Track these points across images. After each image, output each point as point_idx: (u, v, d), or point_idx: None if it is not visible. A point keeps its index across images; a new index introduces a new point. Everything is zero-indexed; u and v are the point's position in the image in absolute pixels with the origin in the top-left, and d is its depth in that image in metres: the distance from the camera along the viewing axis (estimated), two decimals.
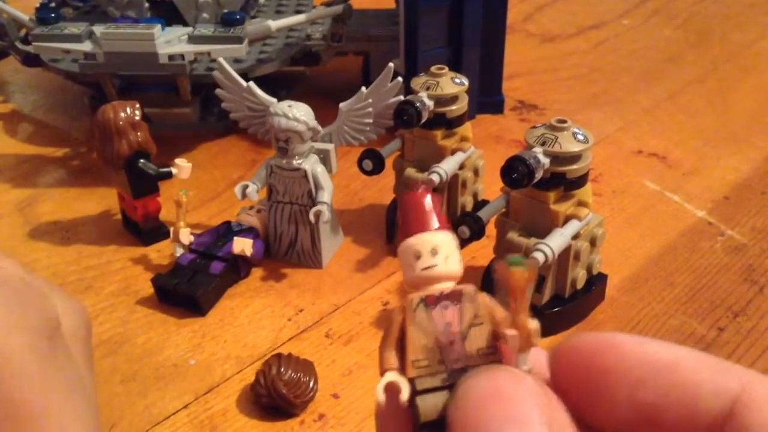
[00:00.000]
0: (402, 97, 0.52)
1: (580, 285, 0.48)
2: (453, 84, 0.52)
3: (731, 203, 0.61)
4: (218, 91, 0.55)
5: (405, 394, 0.18)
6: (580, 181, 0.46)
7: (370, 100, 0.53)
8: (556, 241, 0.44)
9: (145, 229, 0.57)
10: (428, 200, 0.20)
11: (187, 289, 0.50)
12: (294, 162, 0.52)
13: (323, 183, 0.52)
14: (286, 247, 0.55)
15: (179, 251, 0.53)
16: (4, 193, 0.65)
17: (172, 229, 0.53)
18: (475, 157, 0.55)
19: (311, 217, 0.51)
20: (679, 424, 0.18)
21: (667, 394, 0.18)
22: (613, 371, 0.18)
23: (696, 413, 0.18)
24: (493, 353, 0.19)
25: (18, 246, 0.58)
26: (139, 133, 0.54)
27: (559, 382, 0.19)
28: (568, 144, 0.44)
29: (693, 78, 0.84)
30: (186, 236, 0.53)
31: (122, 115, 0.53)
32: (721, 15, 1.00)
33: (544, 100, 0.79)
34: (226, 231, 0.54)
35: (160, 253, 0.56)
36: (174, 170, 0.55)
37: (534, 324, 0.19)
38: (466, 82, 0.53)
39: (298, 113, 0.50)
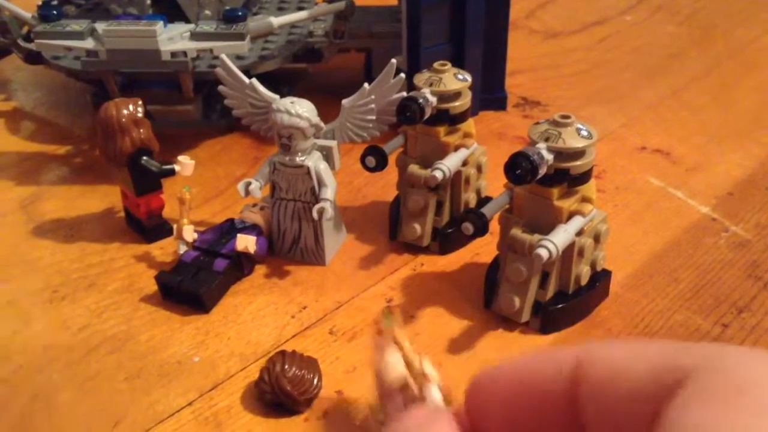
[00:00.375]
0: (405, 94, 0.52)
1: (584, 281, 0.48)
2: (456, 80, 0.52)
3: (735, 199, 0.61)
4: (221, 88, 0.55)
5: None
6: (584, 177, 0.46)
7: (373, 97, 0.53)
8: (560, 237, 0.44)
9: (148, 227, 0.57)
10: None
11: (191, 287, 0.50)
12: (297, 159, 0.52)
13: (326, 180, 0.52)
14: (289, 245, 0.55)
15: (183, 248, 0.53)
16: (7, 191, 0.65)
17: (175, 227, 0.53)
18: (478, 153, 0.55)
19: (314, 214, 0.51)
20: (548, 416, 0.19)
21: (525, 402, 0.20)
22: (490, 402, 0.20)
23: (548, 397, 0.19)
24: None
25: (21, 244, 0.58)
26: (141, 130, 0.54)
27: (471, 415, 0.21)
28: (571, 140, 0.44)
29: (696, 74, 0.83)
30: (189, 233, 0.53)
31: (125, 112, 0.53)
32: (725, 11, 1.00)
33: (547, 96, 0.79)
34: (230, 228, 0.54)
35: (164, 250, 0.56)
36: (177, 167, 0.55)
37: (427, 366, 0.25)
38: (469, 78, 0.53)
39: (300, 110, 0.50)
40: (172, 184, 0.64)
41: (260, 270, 0.54)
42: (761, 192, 0.62)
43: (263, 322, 0.50)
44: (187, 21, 0.65)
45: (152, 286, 0.52)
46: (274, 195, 0.54)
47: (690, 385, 0.16)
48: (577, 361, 0.19)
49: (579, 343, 0.20)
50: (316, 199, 0.52)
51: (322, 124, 0.52)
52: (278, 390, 0.42)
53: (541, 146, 0.44)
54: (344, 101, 0.53)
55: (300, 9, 0.72)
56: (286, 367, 0.42)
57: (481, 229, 0.47)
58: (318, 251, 0.54)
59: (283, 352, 0.44)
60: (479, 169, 0.56)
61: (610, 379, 0.18)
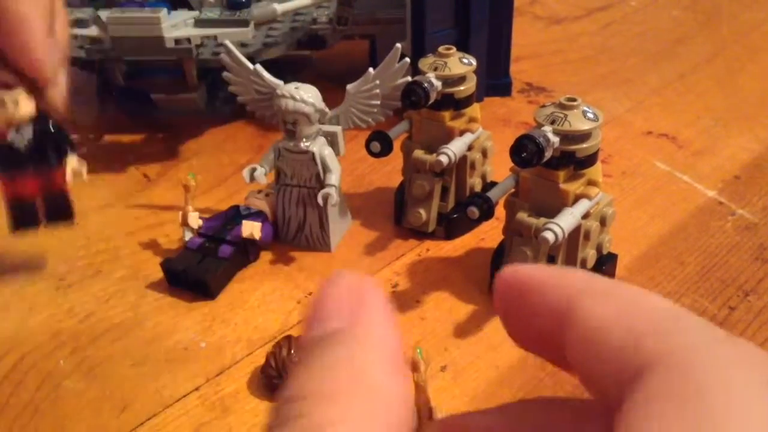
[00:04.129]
0: (409, 79, 0.51)
1: (590, 265, 0.48)
2: (461, 64, 0.52)
3: (742, 182, 0.61)
4: (225, 74, 0.54)
5: None
6: (590, 159, 0.46)
7: (378, 82, 0.52)
8: (566, 220, 0.44)
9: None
10: None
11: (197, 273, 0.50)
12: (302, 144, 0.51)
13: (331, 165, 0.52)
14: (294, 231, 0.55)
15: (188, 235, 0.53)
16: None
17: (180, 214, 0.53)
18: (483, 138, 0.55)
19: (319, 200, 0.51)
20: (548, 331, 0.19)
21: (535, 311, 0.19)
22: (514, 300, 0.20)
23: (548, 318, 0.19)
24: None
25: (26, 232, 0.58)
26: None
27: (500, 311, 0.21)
28: (577, 122, 0.44)
29: (702, 58, 0.83)
30: (195, 220, 0.53)
31: None
32: None
33: (552, 82, 0.78)
34: (235, 215, 0.54)
35: (169, 237, 0.56)
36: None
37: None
38: (474, 62, 0.52)
39: (305, 95, 0.50)
40: (177, 172, 0.64)
41: (266, 256, 0.54)
42: (767, 175, 0.62)
43: (269, 307, 0.50)
44: (191, 8, 0.65)
45: (158, 273, 0.52)
46: (278, 181, 0.54)
47: (650, 380, 0.16)
48: (570, 302, 0.19)
49: (586, 278, 0.20)
50: (321, 184, 0.52)
51: (326, 110, 0.52)
52: (284, 374, 0.42)
53: (547, 129, 0.43)
54: (349, 86, 0.53)
55: None
56: (293, 351, 0.42)
57: (487, 213, 0.47)
58: (323, 237, 0.54)
59: (289, 337, 0.44)
60: (484, 153, 0.55)
61: (587, 338, 0.18)
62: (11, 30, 0.39)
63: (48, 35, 0.41)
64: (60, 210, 0.50)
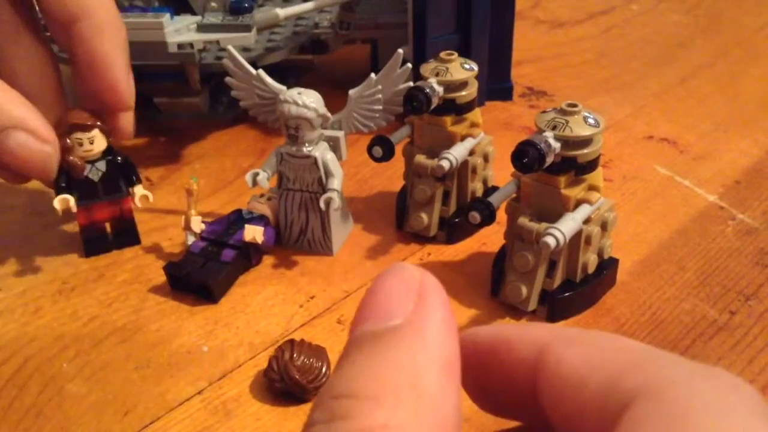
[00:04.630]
0: (411, 84, 0.52)
1: (591, 269, 0.48)
2: (462, 69, 0.52)
3: (742, 187, 0.61)
4: (228, 79, 0.55)
5: None
6: (591, 165, 0.46)
7: (380, 87, 0.53)
8: (567, 225, 0.44)
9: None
10: None
11: (200, 277, 0.50)
12: (304, 149, 0.52)
13: (333, 170, 0.52)
14: (296, 235, 0.55)
15: (191, 239, 0.54)
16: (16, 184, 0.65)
17: (183, 217, 0.54)
18: (485, 143, 0.55)
19: (322, 204, 0.52)
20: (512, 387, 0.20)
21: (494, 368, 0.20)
22: (471, 363, 0.20)
23: (515, 369, 0.19)
24: None
25: (31, 237, 0.58)
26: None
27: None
28: (578, 128, 0.44)
29: (703, 63, 0.83)
30: (197, 224, 0.53)
31: None
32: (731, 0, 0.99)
33: (553, 86, 0.79)
34: (237, 219, 0.54)
35: (171, 241, 0.57)
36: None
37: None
38: (475, 67, 0.53)
39: (308, 100, 0.50)
40: (180, 176, 0.65)
41: (268, 260, 0.55)
42: None
43: (271, 311, 0.50)
44: (194, 13, 0.65)
45: (161, 277, 0.52)
46: (281, 185, 0.54)
47: (634, 411, 0.16)
48: (541, 352, 0.19)
49: (552, 329, 0.20)
50: (323, 189, 0.52)
51: (329, 115, 0.52)
52: (287, 378, 0.42)
53: (548, 134, 0.44)
54: (351, 91, 0.53)
55: (306, 0, 0.72)
56: (295, 355, 0.43)
57: (489, 218, 0.47)
58: (325, 241, 0.55)
59: (291, 341, 0.44)
60: (486, 158, 0.56)
61: (564, 386, 0.18)
62: (101, 71, 0.49)
63: (128, 71, 0.50)
64: (128, 234, 0.56)
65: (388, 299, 0.17)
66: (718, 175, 0.63)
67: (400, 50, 0.52)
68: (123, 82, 0.50)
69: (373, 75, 0.53)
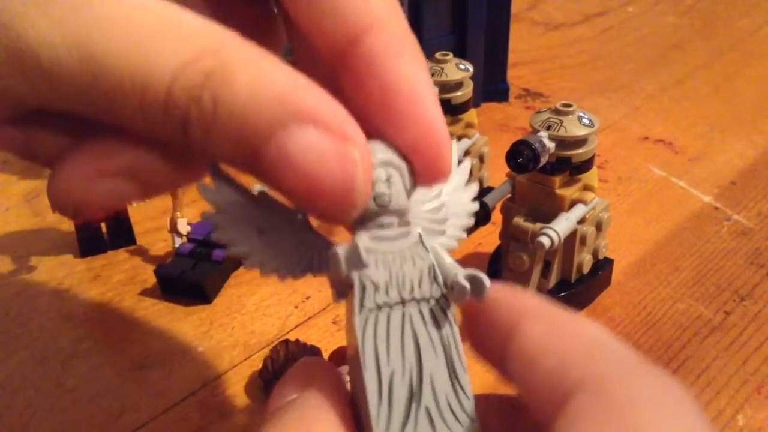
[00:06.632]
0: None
1: (586, 269, 0.48)
2: (458, 70, 0.52)
3: (737, 188, 0.61)
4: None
5: None
6: (586, 165, 0.46)
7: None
8: (562, 225, 0.44)
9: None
10: None
11: (193, 277, 0.50)
12: None
13: None
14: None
15: (178, 242, 0.53)
16: (12, 184, 0.65)
17: (169, 220, 0.53)
18: (480, 143, 0.55)
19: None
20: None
21: None
22: (473, 313, 0.23)
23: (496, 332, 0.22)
24: None
25: (26, 237, 0.58)
26: None
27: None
28: (573, 128, 0.44)
29: (699, 64, 0.83)
30: (183, 226, 0.53)
31: None
32: (726, 1, 1.00)
33: (549, 87, 0.79)
34: None
35: (167, 242, 0.56)
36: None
37: None
38: (470, 68, 0.53)
39: None
40: None
41: None
42: (763, 181, 0.62)
43: (266, 312, 0.50)
44: None
45: (155, 278, 0.52)
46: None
47: (576, 403, 0.18)
48: (516, 323, 0.21)
49: (534, 301, 0.22)
50: None
51: None
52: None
53: (543, 134, 0.44)
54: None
55: None
56: (290, 355, 0.43)
57: (484, 218, 0.47)
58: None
59: (286, 341, 0.44)
60: (481, 159, 0.56)
61: (524, 360, 0.20)
62: (408, 104, 0.24)
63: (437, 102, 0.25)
64: (122, 234, 0.56)
65: (286, 385, 0.22)
66: (713, 176, 0.63)
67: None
68: (438, 119, 0.24)
69: None
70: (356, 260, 0.22)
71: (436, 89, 0.50)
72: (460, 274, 0.22)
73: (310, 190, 0.20)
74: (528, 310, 0.21)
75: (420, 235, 0.23)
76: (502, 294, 0.22)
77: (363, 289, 0.22)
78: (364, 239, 0.22)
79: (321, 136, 0.20)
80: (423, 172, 0.23)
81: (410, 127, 0.23)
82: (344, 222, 0.23)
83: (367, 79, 0.23)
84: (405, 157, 0.23)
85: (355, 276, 0.22)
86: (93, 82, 0.19)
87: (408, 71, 0.23)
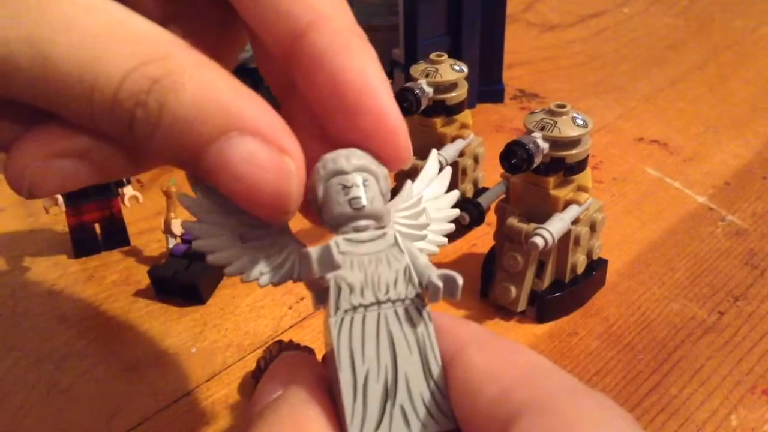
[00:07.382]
0: (437, 151, 0.51)
1: (580, 270, 0.48)
2: (452, 71, 0.52)
3: (732, 189, 0.61)
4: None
5: None
6: (580, 165, 0.46)
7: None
8: (556, 226, 0.44)
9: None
10: None
11: (187, 278, 0.50)
12: None
13: None
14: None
15: (172, 242, 0.53)
16: (6, 185, 0.64)
17: (163, 221, 0.53)
18: (475, 144, 0.55)
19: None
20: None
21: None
22: None
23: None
24: None
25: (20, 238, 0.58)
26: None
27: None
28: (567, 129, 0.44)
29: (693, 65, 0.83)
30: (177, 227, 0.53)
31: None
32: (721, 2, 1.00)
33: (544, 88, 0.79)
34: None
35: (161, 243, 0.56)
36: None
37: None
38: (465, 68, 0.53)
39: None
40: (169, 178, 0.64)
41: None
42: (758, 181, 0.62)
43: (260, 313, 0.50)
44: None
45: (149, 279, 0.52)
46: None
47: (521, 423, 0.18)
48: (458, 351, 0.21)
49: (476, 330, 0.22)
50: None
51: None
52: None
53: (537, 135, 0.44)
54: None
55: None
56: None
57: (478, 219, 0.47)
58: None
59: (279, 342, 0.44)
60: (476, 159, 0.56)
61: (464, 390, 0.20)
62: (356, 96, 0.25)
63: (390, 93, 0.26)
64: (117, 235, 0.56)
65: (267, 384, 0.22)
66: (708, 177, 0.63)
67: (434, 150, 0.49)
68: (390, 107, 0.25)
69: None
70: (329, 261, 0.23)
71: (430, 90, 0.51)
72: (434, 274, 0.23)
73: (247, 194, 0.22)
74: (467, 339, 0.22)
75: (396, 237, 0.24)
76: (440, 323, 0.23)
77: (338, 290, 0.23)
78: (338, 241, 0.23)
79: (259, 146, 0.22)
80: (380, 159, 0.24)
81: (362, 116, 0.24)
82: (318, 225, 0.25)
83: (316, 74, 0.24)
84: (382, 163, 0.24)
85: (331, 278, 0.23)
86: (43, 79, 0.20)
87: (355, 63, 0.24)
